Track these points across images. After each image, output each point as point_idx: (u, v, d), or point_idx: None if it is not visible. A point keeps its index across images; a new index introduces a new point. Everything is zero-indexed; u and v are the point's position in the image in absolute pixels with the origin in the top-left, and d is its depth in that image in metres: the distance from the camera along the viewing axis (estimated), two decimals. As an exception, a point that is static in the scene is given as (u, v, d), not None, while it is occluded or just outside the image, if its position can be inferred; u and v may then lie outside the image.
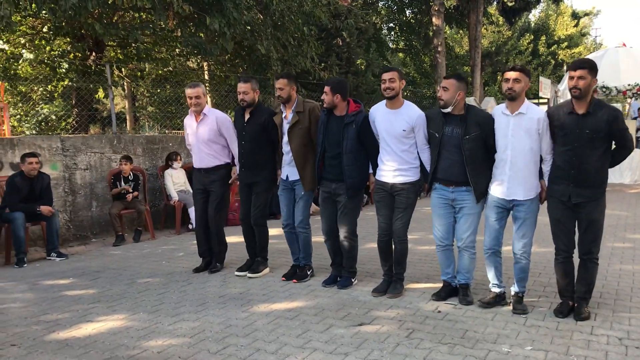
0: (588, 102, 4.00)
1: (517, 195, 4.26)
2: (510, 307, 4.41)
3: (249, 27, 10.82)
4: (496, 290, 4.53)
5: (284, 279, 5.44)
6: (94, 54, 11.61)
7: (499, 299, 4.52)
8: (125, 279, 5.69)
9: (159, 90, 14.44)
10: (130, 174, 8.03)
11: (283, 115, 5.30)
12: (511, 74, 4.17)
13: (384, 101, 4.82)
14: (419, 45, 22.68)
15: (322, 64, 13.14)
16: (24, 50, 11.72)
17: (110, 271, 6.07)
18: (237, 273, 5.68)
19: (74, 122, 11.42)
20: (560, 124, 4.09)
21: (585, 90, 3.96)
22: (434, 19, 17.68)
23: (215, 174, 5.73)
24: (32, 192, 6.77)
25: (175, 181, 8.63)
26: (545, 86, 16.80)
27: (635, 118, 14.38)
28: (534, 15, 34.43)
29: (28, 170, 6.70)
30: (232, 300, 4.85)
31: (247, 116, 5.48)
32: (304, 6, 11.57)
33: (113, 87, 9.92)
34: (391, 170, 4.73)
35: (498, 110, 4.36)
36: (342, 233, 5.09)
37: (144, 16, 11.60)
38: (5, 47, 11.84)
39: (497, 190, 4.35)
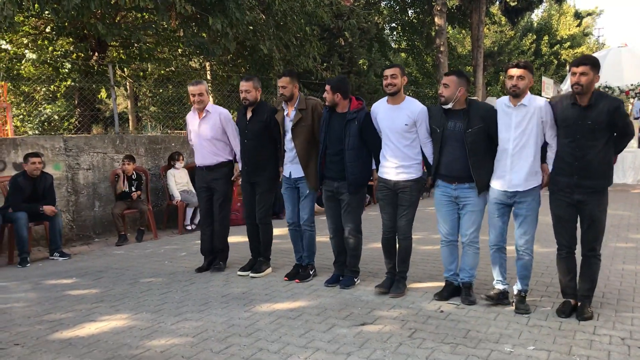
0: (590, 95, 4.00)
1: (519, 187, 4.26)
2: (513, 307, 4.40)
3: (251, 27, 10.84)
4: (500, 287, 4.53)
5: (286, 278, 5.45)
6: (96, 54, 11.63)
7: (503, 296, 4.52)
8: (128, 279, 5.70)
9: (161, 91, 14.46)
10: (133, 174, 8.05)
11: (285, 113, 5.31)
12: (515, 71, 4.17)
13: (385, 98, 4.84)
14: (421, 45, 22.68)
15: (325, 64, 13.16)
16: (26, 51, 11.77)
17: (113, 271, 6.08)
18: (239, 273, 5.69)
19: (76, 122, 11.45)
20: (562, 115, 4.09)
21: (587, 86, 3.95)
22: (436, 19, 17.69)
23: (218, 171, 5.75)
24: (35, 192, 6.79)
25: (178, 181, 8.65)
26: (547, 86, 16.78)
27: (637, 118, 14.34)
28: (537, 15, 34.45)
29: (31, 170, 6.72)
30: (235, 300, 4.86)
31: (249, 114, 5.49)
32: (307, 6, 11.58)
33: (115, 87, 9.93)
34: (394, 167, 4.74)
35: (501, 103, 4.36)
36: (347, 230, 5.10)
37: (147, 16, 11.62)
38: (8, 47, 11.88)
39: (498, 184, 4.35)
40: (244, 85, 5.41)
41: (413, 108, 4.68)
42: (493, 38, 30.45)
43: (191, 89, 5.64)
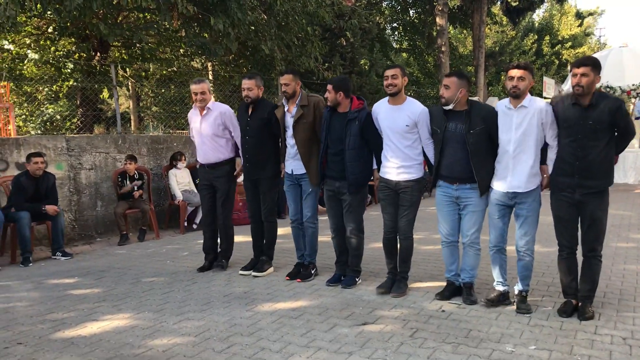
0: (591, 95, 4.01)
1: (519, 188, 4.26)
2: (514, 307, 4.41)
3: (253, 28, 10.85)
4: (500, 288, 4.53)
5: (288, 278, 5.46)
6: (98, 54, 11.66)
7: (503, 298, 4.52)
8: (130, 278, 5.71)
9: (163, 91, 14.48)
10: (135, 174, 8.07)
11: (286, 109, 5.32)
12: (515, 72, 4.17)
13: (387, 98, 4.85)
14: (422, 45, 22.69)
15: (326, 64, 13.17)
16: (29, 51, 11.79)
17: (115, 270, 6.10)
18: (241, 272, 5.70)
19: (78, 122, 11.48)
20: (563, 115, 4.09)
21: (588, 87, 3.95)
22: (437, 19, 17.69)
23: (220, 169, 5.76)
24: (37, 192, 6.81)
25: (180, 181, 8.67)
26: (549, 86, 16.79)
27: (638, 118, 14.33)
28: (538, 15, 34.46)
29: (33, 170, 6.73)
30: (237, 299, 4.87)
31: (250, 111, 5.51)
32: (308, 6, 11.59)
33: (117, 87, 9.95)
34: (395, 167, 4.75)
35: (501, 105, 4.36)
36: (349, 230, 5.11)
37: (149, 16, 11.64)
38: (11, 47, 11.91)
39: (499, 185, 4.36)
40: (246, 83, 5.42)
41: (414, 109, 4.68)
42: (494, 38, 30.44)
43: (194, 87, 5.65)
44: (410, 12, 22.25)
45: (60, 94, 13.64)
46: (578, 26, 34.89)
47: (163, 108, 14.29)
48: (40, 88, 12.62)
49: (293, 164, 5.36)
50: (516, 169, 4.26)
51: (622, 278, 5.28)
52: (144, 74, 14.29)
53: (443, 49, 17.62)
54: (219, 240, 5.98)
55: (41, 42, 11.91)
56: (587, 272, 4.22)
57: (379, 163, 4.96)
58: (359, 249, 5.19)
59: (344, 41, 14.66)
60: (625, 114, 4.06)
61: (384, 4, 22.24)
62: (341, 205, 5.14)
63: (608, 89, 14.45)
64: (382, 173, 4.89)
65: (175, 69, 13.81)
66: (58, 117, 14.25)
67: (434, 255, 6.27)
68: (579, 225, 4.22)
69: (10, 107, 8.69)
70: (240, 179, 5.86)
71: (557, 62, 31.69)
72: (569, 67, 22.88)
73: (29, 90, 12.49)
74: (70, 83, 12.33)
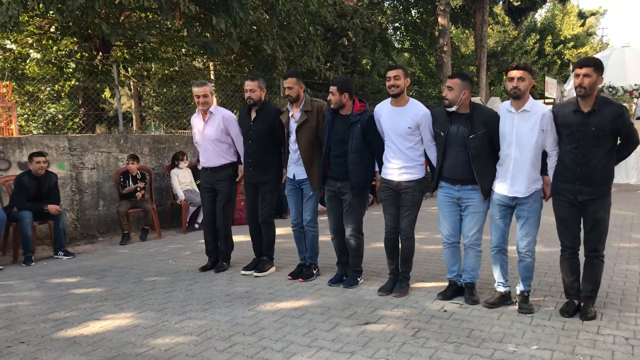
0: (593, 100, 3.99)
1: (520, 193, 4.26)
2: (516, 307, 4.41)
3: (255, 27, 10.85)
4: (501, 289, 4.53)
5: (290, 277, 5.46)
6: (100, 53, 11.66)
7: (504, 299, 4.52)
8: (132, 278, 5.72)
9: (165, 90, 14.48)
10: (137, 173, 8.07)
11: (290, 114, 5.32)
12: (515, 73, 4.17)
13: (389, 99, 4.84)
14: (424, 45, 22.68)
15: (328, 64, 13.16)
16: (31, 50, 11.80)
17: (117, 270, 6.11)
18: (243, 272, 5.70)
19: (80, 121, 11.48)
20: (565, 122, 4.09)
21: (591, 88, 3.95)
22: (439, 19, 17.68)
23: (222, 173, 5.76)
24: (39, 191, 6.81)
25: (182, 180, 8.68)
26: (551, 86, 16.77)
27: (639, 118, 14.32)
28: (540, 14, 34.41)
29: (36, 169, 6.74)
30: (239, 298, 4.87)
31: (253, 115, 5.50)
32: (310, 6, 11.58)
33: (119, 87, 9.96)
34: (396, 168, 4.75)
35: (503, 108, 4.36)
36: (348, 231, 5.11)
37: (151, 16, 11.65)
38: (13, 47, 11.92)
39: (500, 188, 4.36)
40: (249, 84, 5.41)
41: (416, 111, 4.68)
42: (496, 38, 30.43)
43: (196, 90, 5.64)
44: (412, 11, 22.24)
45: (62, 94, 13.65)
46: (580, 26, 34.84)
47: (165, 108, 14.29)
48: (43, 88, 12.63)
49: (295, 169, 5.36)
50: (517, 173, 4.25)
51: (624, 278, 5.27)
52: (145, 73, 14.29)
53: (445, 48, 17.61)
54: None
55: (43, 42, 11.92)
56: (590, 272, 4.22)
57: (381, 165, 4.96)
58: (359, 250, 5.19)
59: (345, 41, 14.65)
60: (628, 122, 4.05)
61: (386, 4, 22.23)
62: (341, 205, 5.14)
63: (610, 89, 14.45)
64: (383, 174, 4.89)
65: (177, 68, 13.81)
66: (60, 116, 14.26)
67: (436, 255, 6.27)
68: (581, 226, 4.22)
69: (12, 107, 8.70)
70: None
71: (559, 62, 31.65)
72: (571, 67, 22.89)
73: (31, 89, 12.50)
74: (72, 83, 12.33)
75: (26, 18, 10.70)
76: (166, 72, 14.04)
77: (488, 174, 4.41)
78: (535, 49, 31.01)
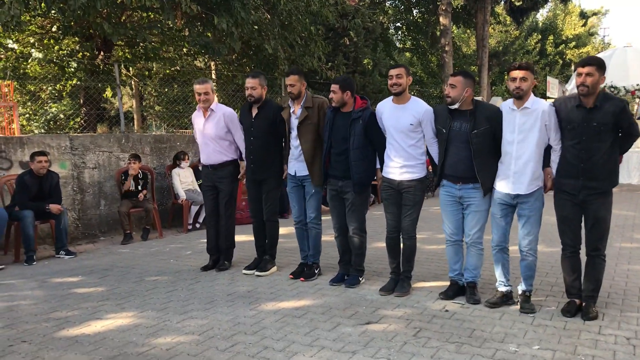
0: (595, 96, 4.00)
1: (521, 190, 4.26)
2: (518, 307, 4.41)
3: (256, 27, 10.85)
4: (503, 289, 4.53)
5: (291, 277, 5.46)
6: (102, 53, 11.67)
7: (506, 298, 4.52)
8: (133, 277, 5.72)
9: (166, 90, 14.49)
10: (139, 173, 8.08)
11: (291, 110, 5.33)
12: (518, 73, 4.17)
13: (391, 97, 4.85)
14: (426, 44, 22.67)
15: (329, 64, 13.16)
16: (33, 50, 11.80)
17: (119, 269, 6.11)
18: (244, 271, 5.70)
19: (82, 121, 11.50)
20: (567, 117, 4.09)
21: (593, 87, 3.96)
22: (441, 19, 17.67)
23: (223, 170, 5.76)
24: (41, 191, 6.82)
25: (183, 180, 8.68)
26: (552, 86, 16.77)
27: (640, 118, 14.32)
28: (542, 14, 34.33)
29: (37, 168, 6.75)
30: (240, 298, 4.87)
31: (254, 112, 5.50)
32: (312, 6, 11.58)
33: (121, 87, 9.97)
34: (398, 166, 4.75)
35: (505, 106, 4.37)
36: (351, 229, 5.11)
37: (152, 16, 11.65)
38: (15, 46, 11.92)
39: (501, 186, 4.36)
40: (250, 82, 5.42)
41: (418, 108, 4.68)
42: (498, 38, 30.40)
43: (197, 87, 5.65)
44: (414, 11, 22.23)
45: (64, 93, 13.67)
46: (582, 26, 34.79)
47: (166, 107, 14.31)
48: (44, 87, 12.65)
49: (296, 166, 5.36)
50: (518, 171, 4.25)
51: (626, 278, 5.27)
52: (147, 73, 14.29)
53: (446, 48, 17.60)
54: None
55: (45, 41, 11.92)
56: (591, 272, 4.22)
57: (382, 163, 4.96)
58: (362, 249, 5.20)
59: (347, 41, 14.64)
60: (629, 115, 4.06)
61: (388, 4, 22.23)
62: (344, 204, 5.14)
63: (612, 89, 14.43)
64: (385, 173, 4.89)
65: (178, 68, 13.81)
66: (61, 116, 14.28)
67: (438, 254, 6.27)
68: (583, 225, 4.22)
69: (14, 106, 8.71)
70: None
71: (560, 61, 31.60)
72: (573, 67, 22.89)
73: (32, 89, 12.51)
74: (74, 82, 12.34)
75: (28, 17, 10.70)
76: (167, 71, 14.04)
77: (489, 171, 4.41)
78: (537, 49, 30.97)
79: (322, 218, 5.51)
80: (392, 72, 4.71)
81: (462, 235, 4.69)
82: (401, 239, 4.90)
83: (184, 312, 4.53)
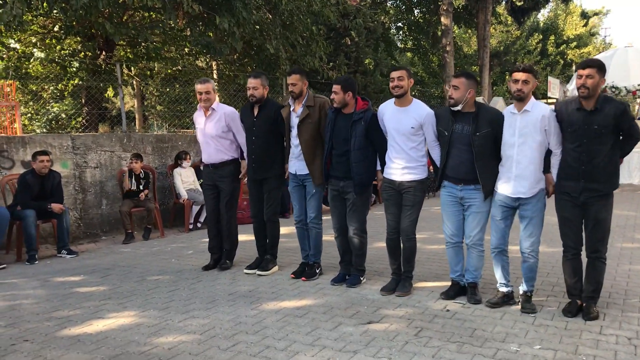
0: (596, 99, 4.01)
1: (522, 193, 4.27)
2: (519, 307, 4.41)
3: (258, 27, 10.87)
4: (503, 289, 4.54)
5: (292, 276, 5.47)
6: (104, 53, 11.69)
7: (507, 299, 4.52)
8: (135, 277, 5.73)
9: (168, 90, 14.52)
10: (141, 172, 8.09)
11: (291, 109, 5.33)
12: (520, 75, 4.18)
13: (393, 99, 4.85)
14: (427, 44, 22.66)
15: (331, 64, 13.18)
16: (35, 49, 11.84)
17: (121, 269, 6.12)
18: (246, 271, 5.71)
19: (83, 120, 11.51)
20: (568, 120, 4.10)
21: (593, 89, 3.96)
22: (442, 19, 17.66)
23: (225, 169, 5.77)
24: (43, 190, 6.83)
25: (185, 180, 8.69)
26: (554, 86, 16.77)
27: (641, 118, 14.31)
28: (543, 14, 34.30)
29: (39, 168, 6.76)
30: (242, 297, 4.88)
31: (256, 112, 5.51)
32: (313, 6, 11.60)
33: (123, 86, 9.98)
34: (399, 168, 4.76)
35: (507, 111, 4.38)
36: (352, 230, 5.12)
37: (154, 16, 11.67)
38: (17, 46, 11.95)
39: (503, 188, 4.37)
40: (252, 82, 5.43)
41: (420, 111, 4.69)
42: (499, 38, 30.37)
43: (198, 87, 5.66)
44: (415, 11, 22.23)
45: (66, 93, 13.69)
46: (583, 26, 34.75)
47: (168, 107, 14.33)
48: (46, 87, 12.67)
49: (297, 165, 5.37)
50: (520, 174, 4.26)
51: (627, 278, 5.27)
52: (148, 72, 14.31)
53: (448, 48, 17.59)
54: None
55: (47, 41, 11.95)
56: (592, 273, 4.22)
57: (383, 164, 4.96)
58: (362, 249, 5.20)
59: (348, 40, 14.66)
60: (630, 118, 4.06)
61: (389, 4, 22.23)
62: (345, 204, 5.14)
63: (613, 89, 14.43)
64: (386, 174, 4.90)
65: (180, 68, 13.83)
66: (63, 115, 14.30)
67: (439, 254, 6.27)
68: (584, 226, 4.22)
69: (16, 106, 8.73)
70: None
71: (562, 62, 31.58)
72: (574, 68, 22.87)
73: (34, 88, 12.54)
74: (76, 82, 12.37)
75: (30, 17, 10.73)
76: (169, 71, 14.06)
77: (490, 173, 4.42)
78: (538, 49, 30.95)
79: (323, 218, 5.52)
80: (394, 74, 4.72)
81: (462, 237, 4.70)
82: (401, 240, 4.90)
83: (186, 311, 4.54)
